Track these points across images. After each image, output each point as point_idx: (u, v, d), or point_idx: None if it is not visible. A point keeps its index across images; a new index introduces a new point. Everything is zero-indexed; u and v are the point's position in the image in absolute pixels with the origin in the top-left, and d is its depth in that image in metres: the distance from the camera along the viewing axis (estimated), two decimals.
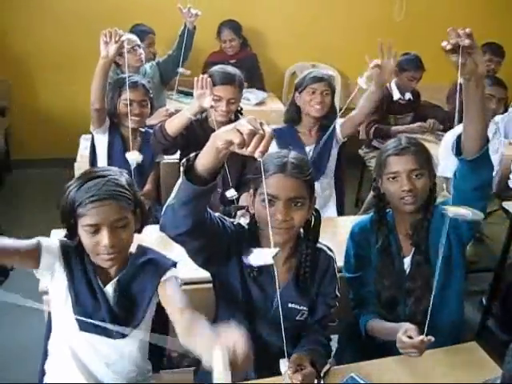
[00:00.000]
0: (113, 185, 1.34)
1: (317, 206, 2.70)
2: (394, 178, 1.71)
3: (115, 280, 1.44)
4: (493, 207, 3.09)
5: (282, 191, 1.41)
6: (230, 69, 2.55)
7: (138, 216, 1.44)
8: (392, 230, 1.79)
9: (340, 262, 1.75)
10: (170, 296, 1.42)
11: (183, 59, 3.59)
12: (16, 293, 2.15)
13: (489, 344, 1.74)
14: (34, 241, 1.37)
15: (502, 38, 4.47)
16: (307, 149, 2.66)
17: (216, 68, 2.53)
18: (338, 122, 2.63)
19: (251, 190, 1.52)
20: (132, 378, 1.51)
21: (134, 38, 3.47)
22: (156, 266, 1.47)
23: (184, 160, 1.17)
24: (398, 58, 2.38)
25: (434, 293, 1.68)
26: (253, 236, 1.54)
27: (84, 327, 1.41)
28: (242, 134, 1.01)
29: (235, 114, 2.59)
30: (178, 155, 2.67)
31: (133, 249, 1.49)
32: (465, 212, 1.38)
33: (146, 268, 1.46)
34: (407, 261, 1.78)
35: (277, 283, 1.33)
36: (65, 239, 1.44)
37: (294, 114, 2.67)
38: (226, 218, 1.50)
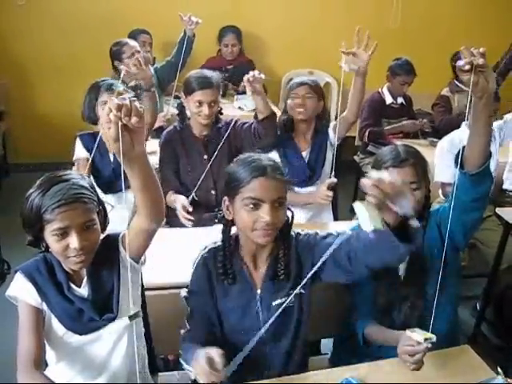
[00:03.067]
0: (78, 188, 1.35)
1: (313, 211, 2.73)
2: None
3: (86, 279, 1.46)
4: (486, 213, 3.12)
5: (266, 194, 1.42)
6: (207, 72, 2.61)
7: (102, 216, 1.45)
8: None
9: None
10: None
11: (181, 66, 3.62)
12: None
13: (482, 348, 1.76)
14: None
15: (496, 48, 4.51)
16: (303, 154, 2.70)
17: (192, 74, 2.59)
18: (331, 125, 2.67)
19: (225, 198, 1.52)
20: (130, 379, 1.53)
21: (134, 43, 3.49)
22: (109, 236, 1.49)
23: None
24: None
25: (428, 299, 1.71)
26: (228, 251, 1.55)
27: (74, 329, 1.44)
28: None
29: (216, 116, 2.65)
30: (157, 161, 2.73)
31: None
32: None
33: (105, 247, 1.47)
34: (402, 267, 1.78)
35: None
36: (24, 265, 1.46)
37: (287, 122, 2.71)
38: (193, 295, 1.55)
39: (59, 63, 4.47)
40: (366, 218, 1.15)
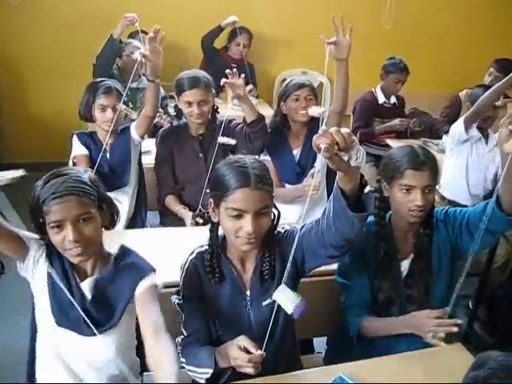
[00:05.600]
0: (73, 181, 1.37)
1: (305, 208, 2.74)
2: (407, 190, 1.70)
3: (93, 278, 1.46)
4: None
5: (250, 205, 1.41)
6: (196, 72, 2.62)
7: (106, 212, 1.46)
8: (389, 233, 1.79)
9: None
10: (147, 311, 1.44)
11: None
12: (9, 293, 2.17)
13: (475, 346, 1.77)
14: (25, 232, 1.44)
15: (491, 48, 4.56)
16: (294, 152, 2.73)
17: (182, 74, 2.59)
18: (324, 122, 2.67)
19: (211, 200, 1.52)
20: (117, 378, 1.52)
21: (136, 43, 3.50)
22: (136, 270, 1.48)
23: None
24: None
25: (433, 299, 1.74)
26: (216, 250, 1.56)
27: (60, 322, 1.43)
28: None
29: (212, 114, 2.66)
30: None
31: (114, 249, 1.52)
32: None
33: (126, 271, 1.48)
34: (404, 264, 1.79)
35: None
36: None
37: (282, 123, 2.72)
38: (187, 303, 1.57)
39: (53, 63, 4.46)
40: (285, 300, 1.28)
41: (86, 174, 1.43)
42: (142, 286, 1.46)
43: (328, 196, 2.83)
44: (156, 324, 1.37)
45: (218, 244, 1.56)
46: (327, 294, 1.89)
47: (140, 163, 2.79)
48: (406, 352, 1.63)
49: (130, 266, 1.48)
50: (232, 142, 2.51)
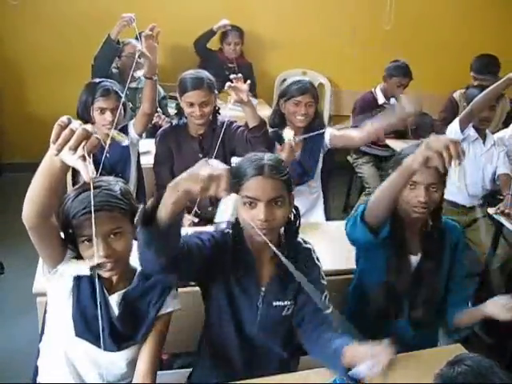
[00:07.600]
0: (105, 195, 1.34)
1: (304, 209, 2.74)
2: (412, 186, 1.70)
3: (121, 293, 1.45)
4: (479, 214, 3.15)
5: (262, 193, 1.44)
6: (200, 73, 2.61)
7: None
8: (400, 228, 1.78)
9: (329, 265, 1.77)
10: (154, 341, 1.46)
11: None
12: (9, 294, 2.17)
13: (474, 347, 1.77)
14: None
15: (484, 47, 4.55)
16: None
17: (185, 74, 2.59)
18: (329, 130, 2.65)
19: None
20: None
21: (135, 44, 3.50)
22: (162, 290, 1.49)
23: (140, 211, 1.19)
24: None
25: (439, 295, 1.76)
26: (237, 239, 1.56)
27: (80, 334, 1.41)
28: (199, 181, 1.07)
29: (213, 115, 2.66)
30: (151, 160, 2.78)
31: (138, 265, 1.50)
32: None
33: (156, 289, 1.48)
34: (414, 259, 1.80)
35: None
36: None
37: (280, 121, 2.71)
38: (202, 235, 1.52)
39: (52, 63, 4.46)
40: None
41: (118, 186, 1.40)
42: (165, 310, 1.48)
43: (325, 196, 2.83)
44: (151, 362, 1.44)
45: (240, 234, 1.56)
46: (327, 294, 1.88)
47: (139, 163, 2.79)
48: (405, 353, 1.63)
49: (158, 284, 1.48)
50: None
